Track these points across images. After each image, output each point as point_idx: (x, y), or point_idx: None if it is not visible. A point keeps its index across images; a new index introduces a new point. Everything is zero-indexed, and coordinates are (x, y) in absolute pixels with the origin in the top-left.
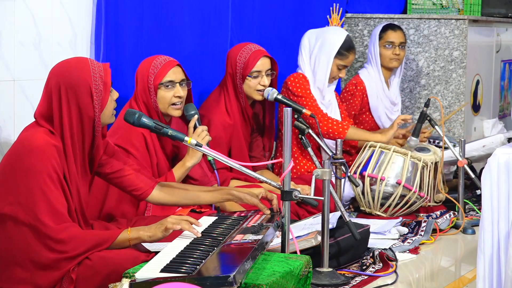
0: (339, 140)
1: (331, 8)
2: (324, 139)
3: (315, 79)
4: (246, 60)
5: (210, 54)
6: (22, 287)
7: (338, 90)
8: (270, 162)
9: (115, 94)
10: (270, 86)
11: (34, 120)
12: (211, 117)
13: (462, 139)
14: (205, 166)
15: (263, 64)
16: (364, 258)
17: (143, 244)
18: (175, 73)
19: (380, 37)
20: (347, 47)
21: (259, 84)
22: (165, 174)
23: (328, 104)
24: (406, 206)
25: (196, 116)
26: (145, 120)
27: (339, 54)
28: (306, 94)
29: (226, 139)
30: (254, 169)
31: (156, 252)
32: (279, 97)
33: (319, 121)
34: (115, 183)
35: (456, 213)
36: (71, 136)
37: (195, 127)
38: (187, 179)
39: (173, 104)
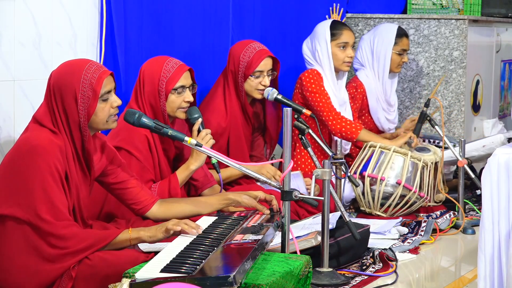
0: (339, 140)
1: (330, 8)
2: (323, 139)
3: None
4: (249, 59)
5: (211, 53)
6: (22, 284)
7: None
8: (270, 162)
9: (115, 101)
10: (270, 85)
11: (32, 119)
12: (207, 118)
13: (462, 139)
14: (206, 167)
15: (265, 64)
16: (364, 258)
17: (139, 245)
18: (186, 78)
19: (396, 43)
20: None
21: (260, 84)
22: (168, 177)
23: (343, 102)
24: (406, 206)
25: (200, 120)
26: (145, 120)
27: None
28: (320, 90)
29: (218, 143)
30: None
31: (156, 252)
32: (279, 97)
33: (332, 118)
34: (117, 194)
35: (456, 213)
36: (62, 134)
37: (199, 131)
38: (188, 180)
39: (181, 107)
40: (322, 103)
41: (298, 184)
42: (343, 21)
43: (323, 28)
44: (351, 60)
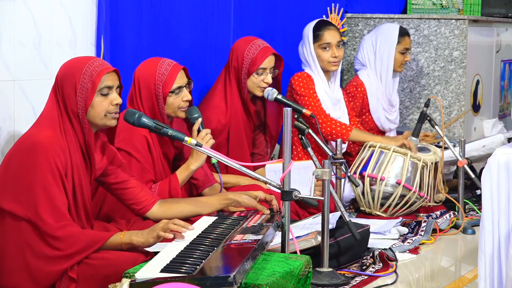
0: (339, 140)
1: (328, 8)
2: (324, 139)
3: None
4: (254, 56)
5: (212, 52)
6: (20, 283)
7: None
8: (269, 162)
9: (115, 99)
10: (274, 83)
11: (36, 119)
12: (207, 115)
13: (462, 139)
14: (206, 166)
15: (269, 61)
16: (364, 258)
17: None
18: (181, 78)
19: (399, 42)
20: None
21: (262, 82)
22: (168, 177)
23: (337, 101)
24: (406, 206)
25: (200, 120)
26: (145, 120)
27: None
28: (309, 93)
29: (219, 140)
30: (255, 168)
31: (156, 252)
32: (279, 97)
33: (322, 121)
34: (117, 194)
35: (456, 213)
36: (65, 131)
37: (199, 131)
38: (188, 179)
39: (181, 107)
40: (312, 105)
41: (310, 175)
42: (343, 21)
43: (307, 30)
44: (336, 59)
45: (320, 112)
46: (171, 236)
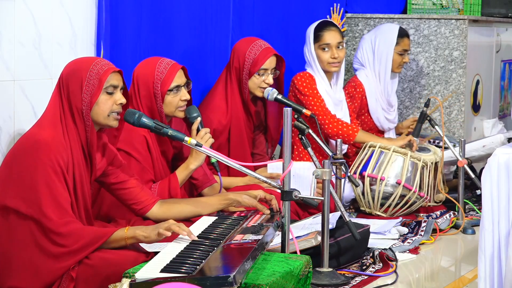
0: (339, 140)
1: (331, 8)
2: (324, 139)
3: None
4: (255, 57)
5: (211, 53)
6: (25, 280)
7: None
8: (269, 162)
9: (120, 99)
10: (276, 84)
11: (38, 119)
12: (208, 116)
13: (462, 139)
14: (205, 165)
15: (271, 62)
16: (364, 258)
17: (142, 245)
18: (180, 77)
19: (397, 43)
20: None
21: (263, 82)
22: (168, 177)
23: (339, 102)
24: (406, 206)
25: (199, 119)
26: (145, 120)
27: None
28: (313, 93)
29: (220, 141)
30: (255, 168)
31: (156, 252)
32: (279, 97)
33: (328, 122)
34: (117, 195)
35: (456, 213)
36: (67, 130)
37: (198, 130)
38: (188, 178)
39: (179, 107)
40: (317, 106)
41: (310, 175)
42: (343, 21)
43: (309, 30)
44: (336, 60)
45: (325, 112)
46: (169, 234)
